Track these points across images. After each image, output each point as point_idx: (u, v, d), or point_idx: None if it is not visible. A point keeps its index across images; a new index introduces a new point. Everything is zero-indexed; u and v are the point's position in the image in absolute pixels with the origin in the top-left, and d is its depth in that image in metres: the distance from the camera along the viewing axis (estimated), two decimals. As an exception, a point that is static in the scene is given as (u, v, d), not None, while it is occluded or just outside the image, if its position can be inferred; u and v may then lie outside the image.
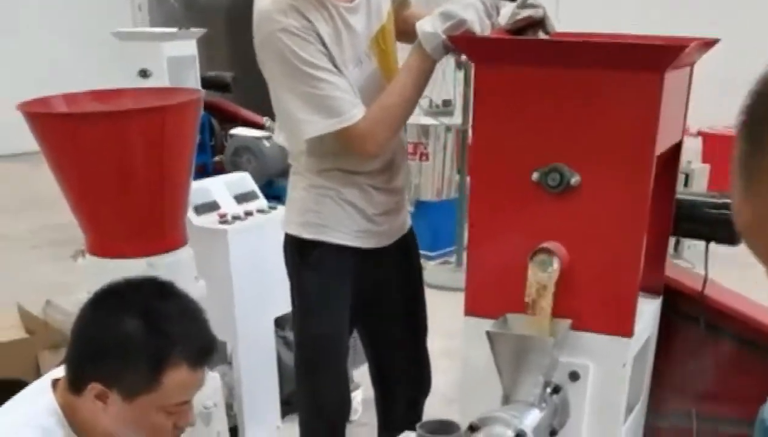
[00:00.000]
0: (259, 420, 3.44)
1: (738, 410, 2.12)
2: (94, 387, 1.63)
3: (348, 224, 2.43)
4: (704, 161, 7.23)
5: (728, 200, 2.20)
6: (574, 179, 1.82)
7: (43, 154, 2.51)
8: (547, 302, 1.87)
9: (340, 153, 2.34)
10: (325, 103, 2.19)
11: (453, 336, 2.53)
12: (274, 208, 3.37)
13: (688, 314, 2.22)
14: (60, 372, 1.74)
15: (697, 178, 5.81)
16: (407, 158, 2.65)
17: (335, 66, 2.21)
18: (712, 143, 7.63)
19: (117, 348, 1.63)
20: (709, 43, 1.95)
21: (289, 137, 2.45)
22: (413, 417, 2.74)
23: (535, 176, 1.85)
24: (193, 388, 1.71)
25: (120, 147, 2.46)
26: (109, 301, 1.70)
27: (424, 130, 6.04)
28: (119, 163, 2.48)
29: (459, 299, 2.04)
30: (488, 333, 1.86)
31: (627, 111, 1.76)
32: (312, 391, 2.64)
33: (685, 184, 5.63)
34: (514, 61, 1.86)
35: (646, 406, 2.27)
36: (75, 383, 1.67)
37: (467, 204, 5.90)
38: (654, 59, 1.73)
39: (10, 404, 1.73)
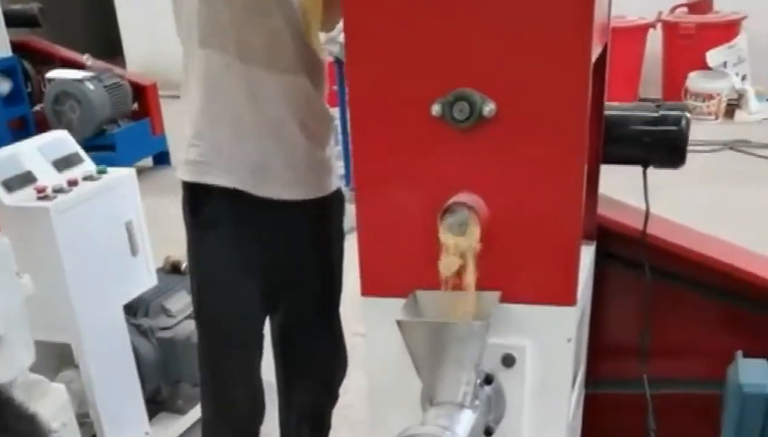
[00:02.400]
0: (123, 427, 2.94)
1: (699, 368, 1.76)
2: None
3: (236, 160, 1.95)
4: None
5: (668, 113, 1.83)
6: (488, 109, 1.35)
7: None
8: (467, 273, 1.45)
9: (236, 30, 1.89)
10: None
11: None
12: (104, 171, 2.76)
13: (629, 258, 1.81)
14: None
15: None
16: (326, 91, 2.12)
17: None
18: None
19: None
20: None
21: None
22: (327, 400, 2.36)
23: (435, 108, 1.37)
24: None
25: None
26: None
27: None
28: None
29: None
30: (399, 323, 1.45)
31: (549, 3, 1.28)
32: (216, 386, 2.23)
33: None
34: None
35: (584, 376, 1.88)
36: None
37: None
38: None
39: None
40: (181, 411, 3.11)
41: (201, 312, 2.17)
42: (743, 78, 7.29)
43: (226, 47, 1.90)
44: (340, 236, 2.25)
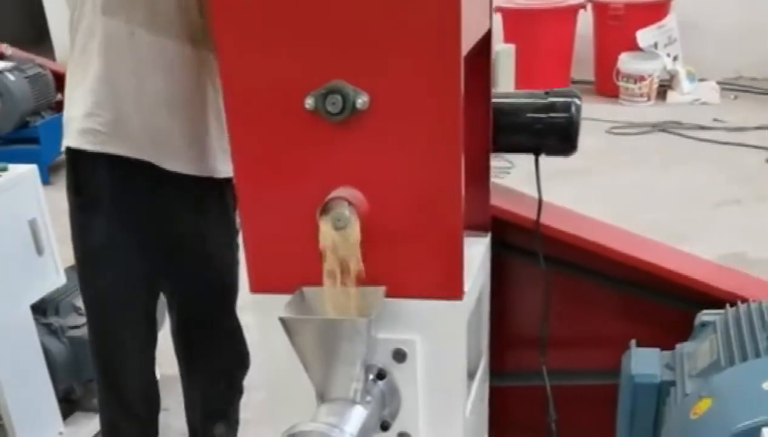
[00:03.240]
0: (36, 427, 2.87)
1: (600, 358, 1.76)
2: None
3: (136, 128, 1.91)
4: (507, 40, 6.94)
5: (557, 99, 1.81)
6: (361, 101, 1.32)
7: None
8: (350, 268, 1.42)
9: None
10: None
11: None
12: (4, 169, 2.68)
13: (525, 248, 1.79)
14: None
15: (502, 62, 5.44)
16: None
17: None
18: (512, 19, 7.37)
19: None
20: None
21: None
22: (230, 394, 2.33)
23: (309, 102, 1.33)
24: None
25: None
26: None
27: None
28: None
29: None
30: (282, 321, 1.41)
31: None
32: (106, 372, 2.19)
33: (491, 70, 5.26)
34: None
35: (488, 368, 1.86)
36: None
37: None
38: None
39: None
40: (96, 410, 2.99)
41: (84, 291, 2.13)
42: (675, 58, 7.37)
43: (133, 15, 1.83)
44: (233, 224, 2.21)
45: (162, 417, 3.01)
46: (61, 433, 2.95)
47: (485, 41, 1.57)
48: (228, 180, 2.12)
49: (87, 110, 1.91)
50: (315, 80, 1.31)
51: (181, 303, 2.26)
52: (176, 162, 1.96)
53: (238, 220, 2.17)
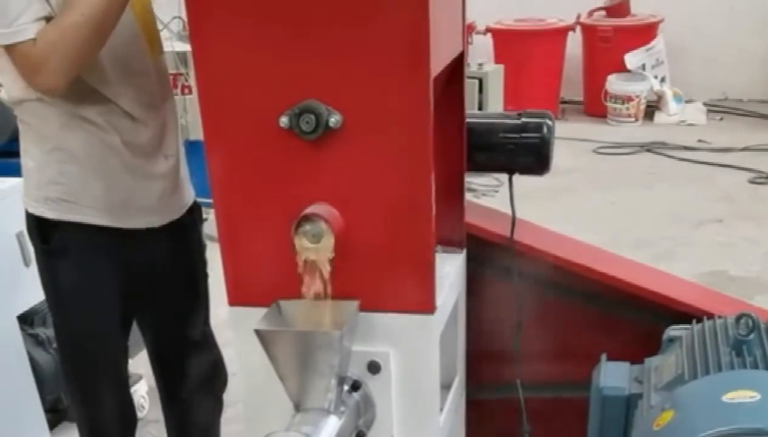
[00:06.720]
0: (22, 438, 2.85)
1: (574, 372, 1.79)
2: None
3: (101, 198, 1.96)
4: (497, 61, 7.02)
5: (529, 120, 1.86)
6: (334, 119, 1.37)
7: None
8: (324, 282, 1.47)
9: (89, 95, 1.87)
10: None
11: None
12: (-7, 181, 2.70)
13: (499, 264, 1.84)
14: None
15: (491, 81, 5.51)
16: (178, 124, 2.12)
17: None
18: (503, 40, 7.46)
19: None
20: None
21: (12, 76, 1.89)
22: (210, 408, 2.36)
23: (283, 120, 1.38)
24: None
25: None
26: None
27: (182, 58, 5.17)
28: None
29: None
30: (257, 333, 1.45)
31: (386, 17, 1.30)
32: (84, 402, 2.20)
33: (480, 90, 5.34)
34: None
35: (464, 380, 1.90)
36: None
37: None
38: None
39: None
40: (83, 422, 3.04)
41: (59, 332, 2.15)
42: (662, 80, 7.44)
43: (99, 112, 1.90)
44: (200, 245, 2.25)
45: (151, 429, 3.05)
46: (46, 444, 2.96)
47: (458, 62, 1.62)
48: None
49: (49, 176, 1.94)
50: (289, 99, 1.36)
51: (155, 325, 2.28)
52: (136, 221, 2.01)
53: (204, 231, 2.24)
